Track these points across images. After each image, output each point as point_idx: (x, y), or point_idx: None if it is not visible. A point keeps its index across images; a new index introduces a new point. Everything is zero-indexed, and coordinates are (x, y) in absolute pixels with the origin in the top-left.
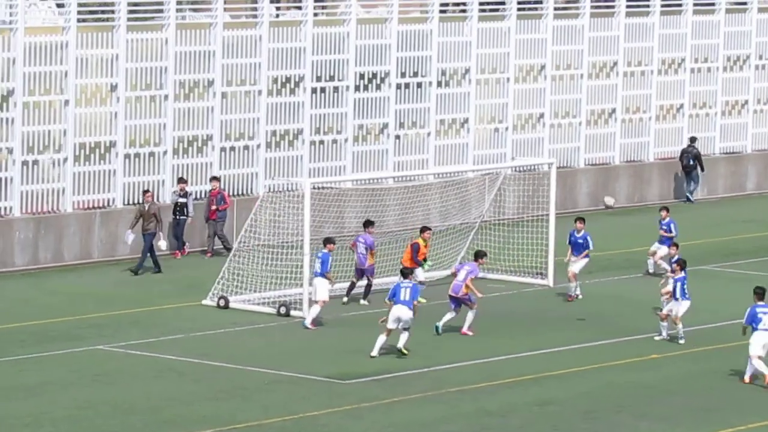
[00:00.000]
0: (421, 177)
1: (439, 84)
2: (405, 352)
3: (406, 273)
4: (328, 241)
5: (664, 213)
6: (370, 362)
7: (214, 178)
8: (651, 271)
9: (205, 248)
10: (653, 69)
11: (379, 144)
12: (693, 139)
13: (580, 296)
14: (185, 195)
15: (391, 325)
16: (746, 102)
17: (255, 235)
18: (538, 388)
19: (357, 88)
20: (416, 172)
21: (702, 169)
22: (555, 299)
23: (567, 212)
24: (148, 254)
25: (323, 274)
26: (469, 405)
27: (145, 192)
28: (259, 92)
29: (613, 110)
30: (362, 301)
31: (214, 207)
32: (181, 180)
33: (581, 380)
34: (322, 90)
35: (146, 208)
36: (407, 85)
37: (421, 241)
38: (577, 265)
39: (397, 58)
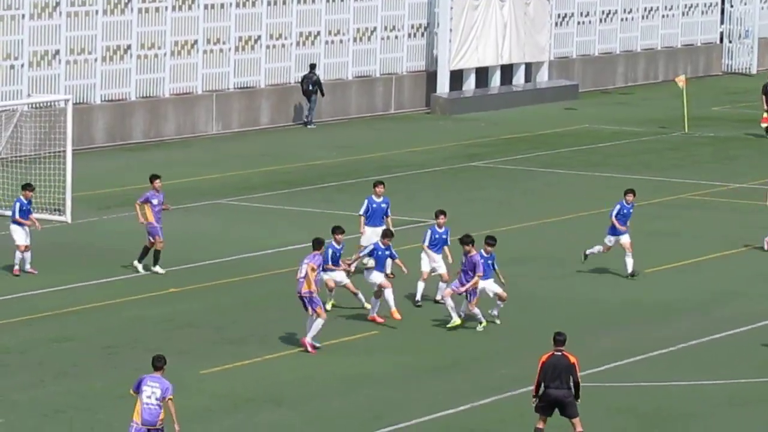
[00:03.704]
0: None
1: None
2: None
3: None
4: (26, 187)
5: (630, 197)
6: None
7: None
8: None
9: None
10: (168, 5)
11: None
12: (313, 66)
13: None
14: None
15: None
16: (259, 37)
17: None
18: (57, 325)
19: None
20: None
21: (322, 95)
22: (73, 235)
23: (84, 148)
24: None
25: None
26: None
27: None
28: None
29: (129, 46)
30: None
31: None
32: None
33: (100, 316)
34: None
35: None
36: None
37: None
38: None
39: None
